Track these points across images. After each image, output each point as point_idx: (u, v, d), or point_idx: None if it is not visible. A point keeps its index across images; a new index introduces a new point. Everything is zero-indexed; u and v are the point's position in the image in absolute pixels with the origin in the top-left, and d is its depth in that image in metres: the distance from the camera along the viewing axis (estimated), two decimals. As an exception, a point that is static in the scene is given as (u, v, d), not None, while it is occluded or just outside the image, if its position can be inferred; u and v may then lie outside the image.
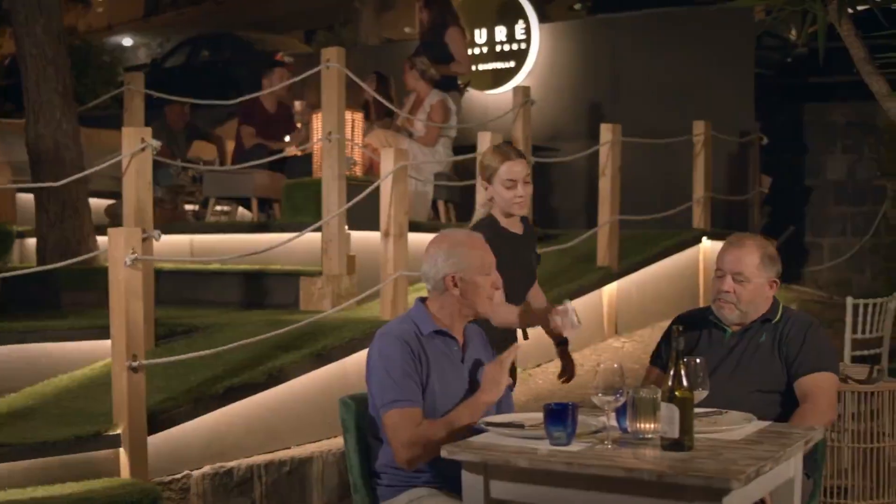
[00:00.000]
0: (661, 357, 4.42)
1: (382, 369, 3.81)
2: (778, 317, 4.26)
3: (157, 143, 6.06)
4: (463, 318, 4.00)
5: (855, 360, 7.73)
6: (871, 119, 11.37)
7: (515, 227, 4.94)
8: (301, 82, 9.02)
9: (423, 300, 4.05)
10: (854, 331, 7.86)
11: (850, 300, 7.88)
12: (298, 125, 10.27)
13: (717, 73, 11.59)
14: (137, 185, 6.09)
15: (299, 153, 9.53)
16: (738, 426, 3.63)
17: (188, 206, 10.97)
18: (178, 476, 5.44)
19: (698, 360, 3.65)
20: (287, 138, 10.07)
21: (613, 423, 3.51)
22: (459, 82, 10.59)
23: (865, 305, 7.85)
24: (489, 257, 4.01)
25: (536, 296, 5.15)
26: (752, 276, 4.21)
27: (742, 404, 3.90)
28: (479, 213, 5.01)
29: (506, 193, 4.82)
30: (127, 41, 29.07)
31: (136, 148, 6.01)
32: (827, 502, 5.31)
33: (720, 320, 4.32)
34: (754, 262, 4.22)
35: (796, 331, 4.19)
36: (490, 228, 4.76)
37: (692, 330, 4.32)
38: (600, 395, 3.42)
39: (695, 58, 11.71)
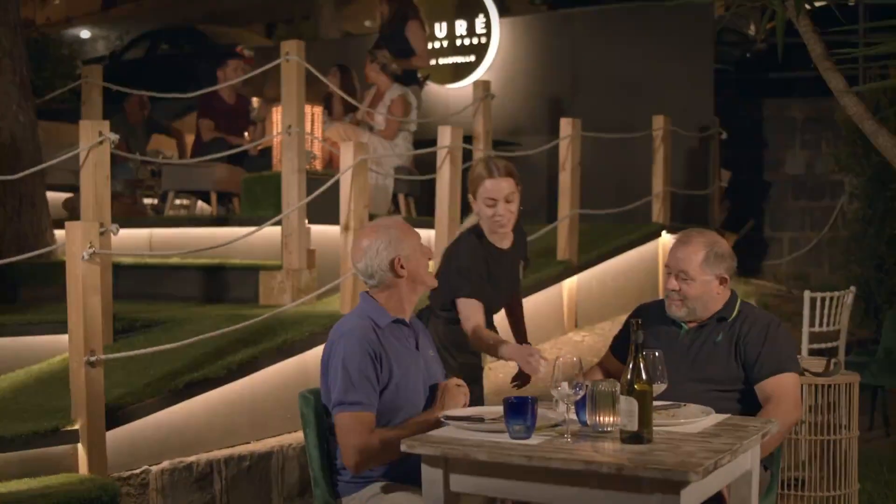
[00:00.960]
0: (621, 346, 4.43)
1: (343, 369, 3.81)
2: (734, 314, 4.23)
3: (115, 137, 6.02)
4: (414, 297, 4.05)
5: (812, 352, 7.80)
6: (830, 114, 11.45)
7: (503, 242, 4.84)
8: (261, 76, 8.98)
9: (368, 293, 4.06)
10: (812, 324, 7.93)
11: (807, 294, 7.94)
12: (256, 123, 10.24)
13: (676, 69, 11.65)
14: (95, 179, 6.04)
15: (259, 147, 9.50)
16: (696, 419, 3.65)
17: (147, 200, 10.91)
18: (137, 471, 5.40)
19: (657, 353, 3.67)
20: (245, 134, 10.04)
21: (573, 416, 3.52)
22: (419, 76, 10.58)
23: (823, 299, 7.92)
24: (417, 234, 4.07)
25: (516, 308, 5.17)
26: (697, 275, 4.17)
27: (699, 402, 3.91)
28: (469, 220, 4.89)
29: (486, 211, 4.69)
30: (85, 34, 28.83)
31: (93, 141, 5.96)
32: (784, 494, 5.34)
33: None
34: (698, 260, 4.17)
35: (756, 332, 4.16)
36: (472, 242, 4.73)
37: (650, 324, 4.27)
38: (560, 388, 3.43)
39: (655, 53, 11.77)
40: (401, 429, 3.79)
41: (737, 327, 4.20)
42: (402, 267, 3.96)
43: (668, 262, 4.27)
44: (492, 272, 4.71)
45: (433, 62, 12.18)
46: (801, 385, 5.28)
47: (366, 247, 3.97)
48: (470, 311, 4.61)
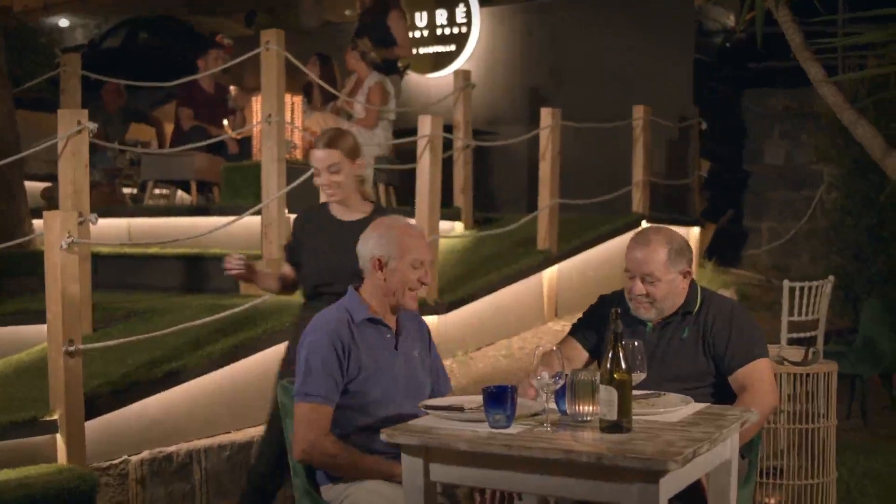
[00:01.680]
0: (581, 328, 4.39)
1: (305, 360, 3.84)
2: (697, 306, 4.18)
3: (93, 126, 5.99)
4: (387, 304, 4.00)
5: (791, 342, 7.83)
6: (809, 105, 11.50)
7: (345, 214, 4.96)
8: (240, 65, 8.95)
9: (355, 288, 4.05)
10: (791, 313, 7.95)
11: (786, 283, 7.96)
12: (235, 112, 10.20)
13: (656, 59, 11.66)
14: (74, 168, 6.02)
15: (236, 137, 9.47)
16: (675, 408, 3.65)
17: (126, 190, 10.87)
18: (117, 461, 5.39)
19: (636, 343, 3.67)
20: (225, 122, 10.01)
21: (553, 405, 3.52)
22: (399, 65, 10.57)
23: (802, 288, 7.94)
24: (420, 252, 4.00)
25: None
26: (662, 275, 4.09)
27: None
28: None
29: (315, 179, 4.93)
30: (63, 22, 28.66)
31: (72, 130, 5.94)
32: (763, 482, 5.37)
33: None
34: (661, 260, 4.09)
35: (720, 323, 4.12)
36: (309, 210, 5.07)
37: None
38: (539, 377, 3.43)
39: (635, 43, 11.77)
40: (356, 454, 3.80)
41: (701, 319, 4.15)
42: (380, 269, 3.95)
43: (630, 266, 4.16)
44: (328, 242, 4.86)
45: (413, 51, 12.15)
46: (780, 374, 5.32)
47: (367, 233, 4.02)
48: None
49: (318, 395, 3.79)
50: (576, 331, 4.42)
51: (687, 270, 4.17)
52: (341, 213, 4.93)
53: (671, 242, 4.15)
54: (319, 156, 4.86)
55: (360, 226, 4.51)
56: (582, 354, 4.35)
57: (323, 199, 5.02)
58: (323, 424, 3.79)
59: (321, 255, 4.87)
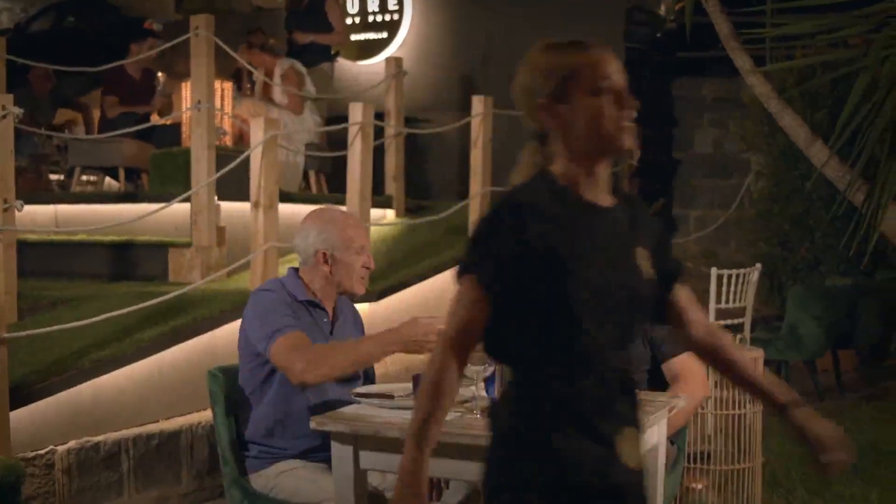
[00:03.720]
0: None
1: (256, 316, 3.83)
2: None
3: (18, 111, 5.89)
4: (332, 292, 4.02)
5: (719, 329, 7.92)
6: (737, 94, 11.61)
7: (600, 196, 2.69)
8: (169, 50, 8.86)
9: (296, 270, 4.05)
10: (718, 301, 8.05)
11: (714, 271, 8.06)
12: (163, 98, 10.10)
13: (588, 47, 11.69)
14: (-1, 154, 5.92)
15: (167, 122, 9.38)
16: (604, 395, 3.67)
17: (53, 176, 10.72)
18: (43, 451, 5.32)
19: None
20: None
21: (482, 392, 3.53)
22: (332, 51, 10.53)
23: (729, 276, 8.05)
24: (361, 238, 4.03)
25: None
26: None
27: None
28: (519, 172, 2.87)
29: (606, 106, 2.67)
30: (-11, 5, 28.19)
31: (-4, 115, 5.84)
32: (691, 467, 5.42)
33: None
34: None
35: None
36: (527, 195, 2.68)
37: None
38: (469, 364, 3.43)
39: (567, 31, 11.67)
40: (350, 343, 3.87)
41: None
42: (325, 262, 3.96)
43: None
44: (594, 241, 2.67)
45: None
46: (708, 361, 5.37)
47: (302, 227, 4.01)
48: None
49: (285, 326, 3.78)
50: None
51: None
52: (592, 194, 2.69)
53: None
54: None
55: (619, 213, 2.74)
56: None
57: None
58: (305, 342, 3.77)
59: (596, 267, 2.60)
